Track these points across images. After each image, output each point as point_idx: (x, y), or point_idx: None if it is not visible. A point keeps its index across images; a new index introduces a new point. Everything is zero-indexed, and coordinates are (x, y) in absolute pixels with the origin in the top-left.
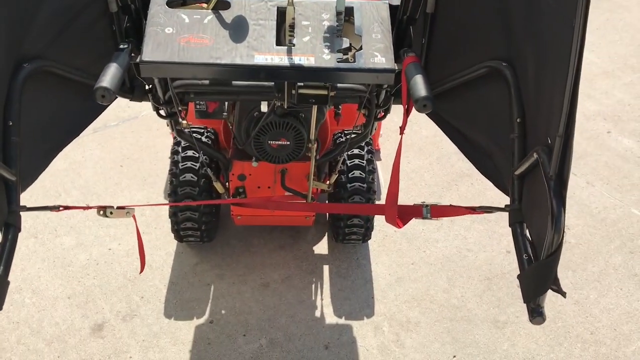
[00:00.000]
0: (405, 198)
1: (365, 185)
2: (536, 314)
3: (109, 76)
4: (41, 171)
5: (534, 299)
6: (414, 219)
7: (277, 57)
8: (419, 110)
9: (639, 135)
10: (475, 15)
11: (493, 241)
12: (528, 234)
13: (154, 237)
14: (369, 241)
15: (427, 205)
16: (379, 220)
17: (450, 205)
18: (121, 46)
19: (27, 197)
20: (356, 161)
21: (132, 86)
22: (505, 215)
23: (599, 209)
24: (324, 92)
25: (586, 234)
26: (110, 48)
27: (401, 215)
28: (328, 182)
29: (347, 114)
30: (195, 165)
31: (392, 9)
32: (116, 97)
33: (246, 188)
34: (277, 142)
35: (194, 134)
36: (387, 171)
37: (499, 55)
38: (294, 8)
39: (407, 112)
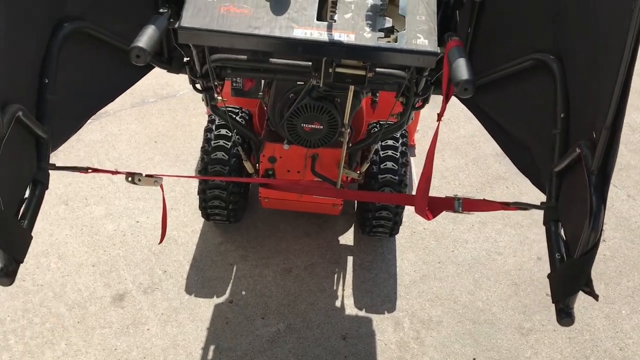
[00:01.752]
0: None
1: (397, 177)
2: (564, 314)
3: (146, 37)
4: (73, 132)
5: (564, 299)
6: (444, 213)
7: (316, 32)
8: (458, 94)
9: None
10: (525, 5)
11: (524, 246)
12: (563, 234)
13: (181, 214)
14: (397, 236)
15: (459, 199)
16: (408, 217)
17: (484, 199)
18: (161, 10)
19: (59, 164)
20: (389, 152)
21: (170, 57)
22: (539, 220)
23: (638, 224)
24: (362, 72)
25: (623, 247)
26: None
27: (431, 207)
28: (359, 171)
29: (384, 105)
30: (227, 144)
31: None
32: (151, 67)
33: (276, 171)
34: (310, 126)
35: (229, 113)
36: (420, 167)
37: (547, 48)
38: None
39: (446, 98)
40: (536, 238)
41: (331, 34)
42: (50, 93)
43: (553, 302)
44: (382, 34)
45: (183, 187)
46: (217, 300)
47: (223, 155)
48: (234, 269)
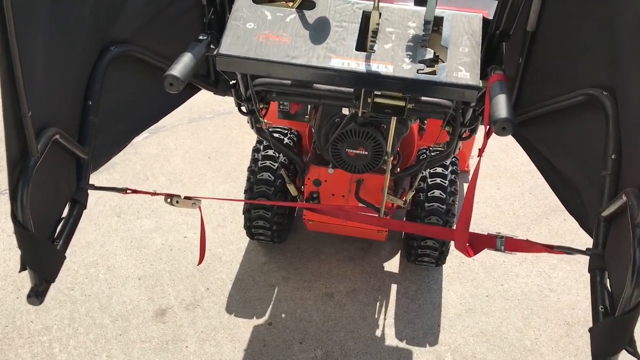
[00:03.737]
0: (490, 227)
1: (444, 206)
2: None
3: (181, 65)
4: (114, 153)
5: (604, 358)
6: (487, 250)
7: (354, 62)
8: (496, 133)
9: None
10: (579, 37)
11: (580, 284)
12: (608, 284)
13: (228, 231)
14: (444, 266)
15: (501, 237)
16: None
17: (527, 240)
18: (200, 37)
19: (117, 177)
20: (438, 180)
21: (217, 80)
22: None
23: None
24: (401, 103)
25: None
26: None
27: (472, 243)
28: (405, 198)
29: (435, 130)
30: (274, 165)
31: (485, 22)
32: (198, 89)
33: (320, 194)
34: (354, 151)
35: (277, 134)
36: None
37: (600, 83)
38: (380, 13)
39: (487, 134)
40: None
41: (369, 65)
42: (93, 115)
43: None
44: (422, 66)
45: (232, 205)
46: (256, 321)
47: (269, 176)
48: (275, 290)
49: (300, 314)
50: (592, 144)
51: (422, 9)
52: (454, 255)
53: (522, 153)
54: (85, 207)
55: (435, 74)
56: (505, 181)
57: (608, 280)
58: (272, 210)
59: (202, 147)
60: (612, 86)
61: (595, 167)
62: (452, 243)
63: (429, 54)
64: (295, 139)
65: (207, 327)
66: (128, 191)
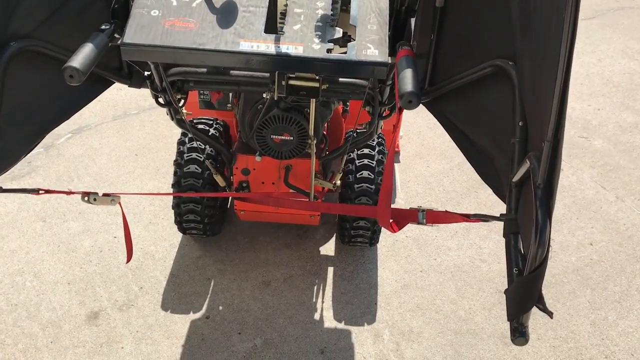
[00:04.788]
0: (422, 204)
1: (373, 186)
2: (518, 333)
3: (81, 56)
4: (23, 154)
5: (517, 317)
6: (412, 224)
7: (263, 45)
8: (403, 107)
9: None
10: (484, 10)
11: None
12: (522, 247)
13: (160, 228)
14: (378, 245)
15: (422, 210)
16: None
17: (446, 211)
18: (103, 26)
19: (39, 181)
20: (365, 161)
21: (130, 72)
22: None
23: (627, 226)
24: (315, 84)
25: (610, 251)
26: None
27: (396, 219)
28: (334, 181)
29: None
30: (201, 157)
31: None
32: (111, 83)
33: (250, 183)
34: (279, 137)
35: (202, 125)
36: (404, 173)
37: (505, 54)
38: None
39: (399, 110)
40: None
41: (278, 47)
42: None
43: (508, 321)
44: (332, 45)
45: (162, 201)
46: (193, 316)
47: (196, 169)
48: (212, 283)
49: (238, 304)
50: (502, 114)
51: None
52: (388, 234)
53: None
54: None
55: (345, 53)
56: (434, 159)
57: (521, 243)
58: (202, 203)
59: (129, 144)
60: (515, 56)
61: (505, 136)
62: None
63: (338, 33)
64: (221, 129)
65: (142, 327)
66: (41, 192)
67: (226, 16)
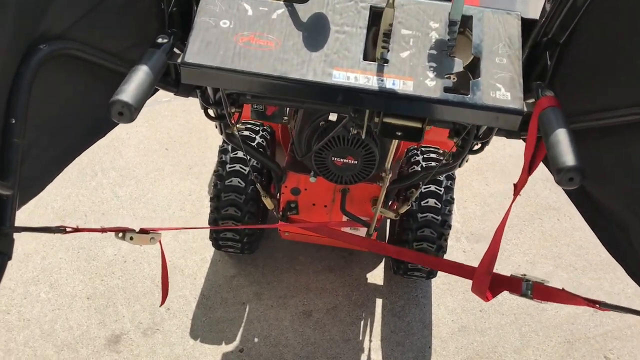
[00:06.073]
0: (479, 229)
1: (439, 217)
2: None
3: (133, 85)
4: (50, 180)
5: None
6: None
7: (362, 77)
8: (560, 184)
9: None
10: (633, 39)
11: (579, 294)
12: None
13: (190, 238)
14: None
15: (528, 281)
16: (451, 255)
17: (563, 289)
18: (159, 39)
19: (61, 177)
20: (432, 188)
21: (178, 78)
22: (595, 263)
23: None
24: (418, 124)
25: None
26: (155, 32)
27: (492, 284)
28: (397, 209)
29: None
30: (245, 169)
31: (526, 24)
32: (155, 90)
33: (299, 204)
34: (342, 160)
35: (247, 132)
36: (460, 191)
37: None
38: (394, 11)
39: (529, 169)
40: (592, 284)
41: (382, 80)
42: (18, 136)
43: None
44: (450, 82)
45: (194, 205)
46: (225, 347)
47: (239, 183)
48: (247, 309)
49: (276, 337)
50: None
51: (446, 4)
52: None
53: (510, 145)
54: (10, 258)
55: (468, 93)
56: (493, 176)
57: None
58: (244, 222)
59: (159, 136)
60: None
61: None
62: (450, 252)
63: (458, 65)
64: (268, 136)
65: (168, 357)
66: (68, 230)
67: (315, 35)
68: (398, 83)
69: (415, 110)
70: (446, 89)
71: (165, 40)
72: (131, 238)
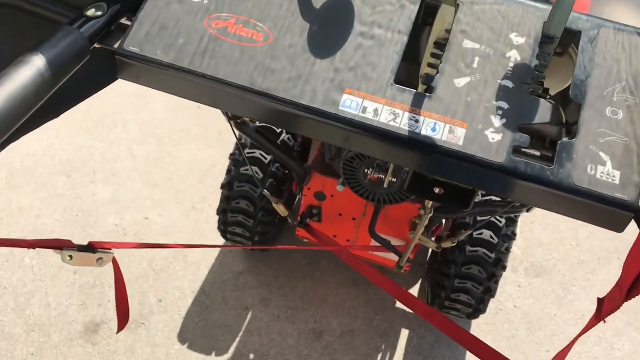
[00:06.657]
0: (543, 259)
1: (493, 254)
2: None
3: None
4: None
5: None
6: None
7: (387, 111)
8: None
9: None
10: None
11: None
12: None
13: (203, 217)
14: None
15: None
16: (503, 295)
17: None
18: (88, 11)
19: (78, 119)
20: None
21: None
22: None
23: None
24: (468, 186)
25: None
26: None
27: None
28: (440, 242)
29: None
30: (266, 159)
31: None
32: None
33: (322, 210)
34: (376, 175)
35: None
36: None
37: None
38: (457, 9)
39: (627, 296)
40: None
41: (416, 121)
42: None
43: None
44: (525, 140)
45: (216, 179)
46: (214, 359)
47: (257, 173)
48: (249, 315)
49: (274, 356)
50: None
51: (542, 8)
52: (493, 300)
53: None
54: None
55: (550, 163)
56: None
57: None
58: (256, 218)
59: None
60: None
61: None
62: (501, 292)
63: (544, 112)
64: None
65: (147, 359)
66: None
67: (327, 33)
68: (441, 128)
69: (458, 176)
70: (516, 151)
71: (98, 13)
72: (70, 257)
